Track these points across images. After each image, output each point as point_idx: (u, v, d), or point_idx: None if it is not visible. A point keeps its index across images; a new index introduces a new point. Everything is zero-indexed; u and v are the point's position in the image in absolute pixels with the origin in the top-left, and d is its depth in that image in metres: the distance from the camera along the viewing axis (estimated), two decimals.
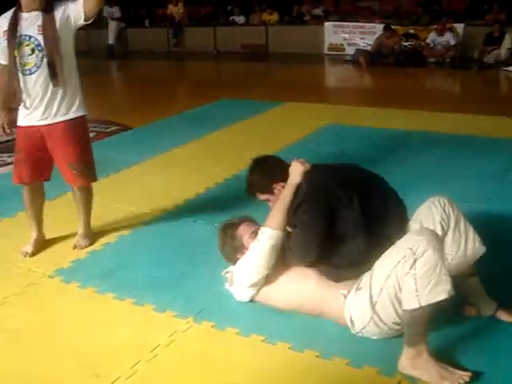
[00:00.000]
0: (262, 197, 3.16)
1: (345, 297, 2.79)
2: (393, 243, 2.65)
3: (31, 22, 3.46)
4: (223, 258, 3.29)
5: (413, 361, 2.50)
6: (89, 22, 3.54)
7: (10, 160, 5.39)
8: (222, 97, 9.20)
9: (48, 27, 3.44)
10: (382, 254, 2.69)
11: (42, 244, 3.91)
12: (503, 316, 2.87)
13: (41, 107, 3.56)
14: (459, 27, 13.29)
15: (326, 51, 15.05)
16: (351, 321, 2.75)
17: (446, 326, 2.80)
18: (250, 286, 3.01)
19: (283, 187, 3.04)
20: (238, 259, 3.11)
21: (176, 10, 16.90)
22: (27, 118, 3.61)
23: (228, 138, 6.62)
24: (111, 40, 16.40)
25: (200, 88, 10.92)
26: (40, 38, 3.45)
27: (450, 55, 12.53)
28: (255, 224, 3.23)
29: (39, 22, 3.46)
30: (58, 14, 3.47)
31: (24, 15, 3.48)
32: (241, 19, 17.11)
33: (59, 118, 3.61)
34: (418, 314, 2.45)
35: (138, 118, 7.74)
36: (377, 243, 2.80)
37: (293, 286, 2.95)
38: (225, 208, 4.25)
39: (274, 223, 2.95)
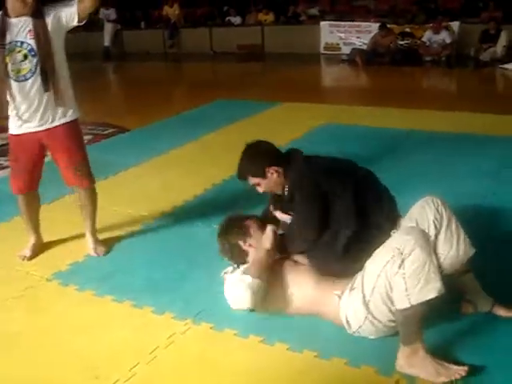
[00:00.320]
0: (254, 180, 3.17)
1: (339, 297, 2.80)
2: (383, 240, 2.68)
3: (21, 28, 3.40)
4: (220, 250, 3.29)
5: (409, 359, 2.51)
6: (81, 24, 3.51)
7: (6, 164, 5.38)
8: (219, 97, 9.21)
9: (40, 32, 3.40)
10: (372, 250, 2.72)
11: (39, 248, 3.92)
12: (500, 311, 2.89)
13: (38, 113, 3.53)
14: (455, 25, 13.30)
15: (322, 51, 15.07)
16: (347, 321, 2.76)
17: (443, 323, 2.82)
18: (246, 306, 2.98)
19: (276, 171, 3.09)
20: (237, 249, 3.16)
21: (172, 12, 16.92)
22: (23, 126, 3.57)
23: (225, 139, 6.63)
24: (107, 42, 16.43)
25: (196, 89, 10.94)
26: (32, 43, 3.41)
27: (445, 53, 12.54)
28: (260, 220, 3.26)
29: (30, 27, 3.40)
30: (49, 17, 3.44)
31: (12, 21, 3.40)
32: (237, 20, 17.11)
33: (58, 122, 3.60)
34: (409, 312, 2.47)
35: (135, 120, 7.76)
36: (367, 238, 2.85)
37: (290, 290, 2.96)
38: (223, 209, 4.24)
39: (254, 273, 2.94)
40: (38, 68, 3.44)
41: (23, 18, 3.41)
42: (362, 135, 6.50)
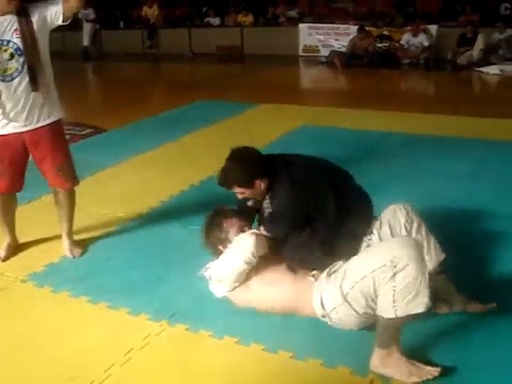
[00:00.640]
0: (239, 190, 3.14)
1: (315, 279, 2.83)
2: (358, 238, 2.71)
3: (7, 26, 3.36)
4: (203, 245, 3.29)
5: (384, 360, 2.53)
6: (66, 23, 3.48)
7: None
8: (197, 98, 9.19)
9: (26, 31, 3.36)
10: (348, 246, 2.78)
11: (14, 248, 3.88)
12: (474, 308, 2.92)
13: (23, 113, 3.48)
14: (433, 28, 13.41)
15: (300, 53, 15.10)
16: (321, 302, 2.75)
17: (417, 324, 2.82)
18: (228, 283, 3.01)
19: (263, 182, 3.08)
20: (218, 251, 3.13)
21: (151, 12, 16.84)
22: (8, 125, 3.51)
23: (203, 140, 6.62)
24: (86, 42, 16.33)
25: (175, 90, 10.92)
26: (19, 42, 3.36)
27: (423, 56, 12.64)
28: (244, 220, 3.25)
29: (16, 26, 3.36)
30: (35, 16, 3.40)
31: None
32: (216, 21, 17.10)
33: (42, 123, 3.56)
34: (393, 321, 2.48)
35: (113, 121, 7.72)
36: (344, 235, 2.95)
37: (268, 286, 2.96)
38: (199, 210, 4.21)
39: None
40: (25, 67, 3.40)
41: (8, 17, 3.36)
42: (341, 137, 6.53)
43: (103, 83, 13.49)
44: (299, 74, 13.85)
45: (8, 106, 3.47)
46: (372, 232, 3.05)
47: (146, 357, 2.75)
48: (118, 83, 12.17)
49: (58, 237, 3.94)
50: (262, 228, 3.22)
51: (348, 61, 12.81)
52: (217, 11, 17.32)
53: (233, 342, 2.82)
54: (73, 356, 2.77)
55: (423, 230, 2.98)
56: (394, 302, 2.43)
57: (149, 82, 12.81)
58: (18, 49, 3.38)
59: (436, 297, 2.92)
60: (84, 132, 7.18)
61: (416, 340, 2.76)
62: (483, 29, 12.45)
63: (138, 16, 17.59)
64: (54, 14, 3.41)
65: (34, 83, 3.43)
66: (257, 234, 3.01)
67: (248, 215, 3.34)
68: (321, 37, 14.80)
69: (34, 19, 3.40)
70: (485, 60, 11.73)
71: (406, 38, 12.97)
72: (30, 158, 3.69)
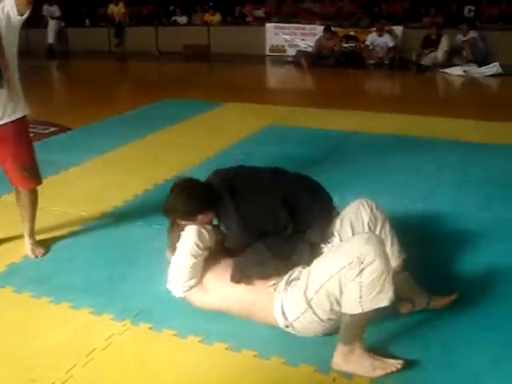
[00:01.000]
0: (181, 221, 3.08)
1: (274, 289, 2.81)
2: (314, 244, 2.71)
3: None
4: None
5: (346, 357, 2.55)
6: (23, 18, 3.36)
7: None
8: (164, 97, 9.15)
9: None
10: (303, 254, 2.79)
11: None
12: (437, 303, 2.97)
13: None
14: (398, 30, 13.56)
15: (267, 52, 15.14)
16: (283, 312, 2.75)
17: (381, 321, 2.86)
18: (181, 282, 3.01)
19: (207, 215, 3.03)
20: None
21: (117, 10, 16.69)
22: None
23: (168, 139, 6.59)
24: (51, 39, 16.13)
25: (141, 88, 10.85)
26: None
27: (388, 57, 12.76)
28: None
29: None
30: None
31: None
32: (183, 19, 17.01)
33: (6, 119, 3.50)
34: (358, 317, 2.51)
35: (78, 119, 7.63)
36: (297, 239, 2.91)
37: (225, 287, 2.95)
38: None
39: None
40: None
41: None
42: (306, 137, 6.56)
43: (68, 81, 13.35)
44: (266, 73, 13.88)
45: None
46: (333, 234, 3.05)
47: (109, 357, 2.73)
48: (84, 81, 12.05)
49: (20, 237, 3.89)
50: None
51: (314, 61, 12.88)
52: (184, 10, 17.22)
53: (197, 341, 2.82)
54: (34, 357, 2.74)
55: (387, 228, 2.99)
56: (360, 297, 2.46)
57: (115, 81, 12.71)
58: None
59: (399, 296, 2.96)
60: (48, 130, 7.09)
61: (379, 336, 2.80)
62: (447, 31, 12.63)
63: (104, 14, 17.38)
64: (11, 8, 3.32)
65: (0, 80, 3.37)
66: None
67: None
68: (287, 36, 14.86)
69: None
70: (449, 61, 11.90)
71: (372, 38, 13.09)
72: None
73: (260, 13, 16.42)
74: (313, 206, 3.04)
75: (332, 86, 11.13)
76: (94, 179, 5.20)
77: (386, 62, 12.77)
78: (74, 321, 3.02)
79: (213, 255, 3.07)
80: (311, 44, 13.83)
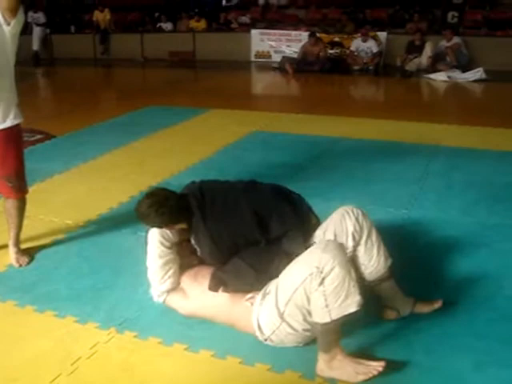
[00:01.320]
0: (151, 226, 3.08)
1: (251, 303, 2.81)
2: (291, 256, 2.71)
3: None
4: None
5: (329, 363, 2.56)
6: (10, 27, 3.33)
7: None
8: (149, 104, 9.14)
9: None
10: (279, 261, 2.77)
11: None
12: (422, 308, 2.97)
13: None
14: (382, 35, 13.64)
15: (252, 58, 15.18)
16: (259, 327, 2.76)
17: (365, 327, 2.88)
18: (156, 284, 3.05)
19: (177, 226, 3.00)
20: None
21: (102, 17, 16.68)
22: None
23: (153, 146, 6.58)
24: (36, 46, 16.04)
25: (126, 95, 10.83)
26: None
27: (373, 63, 12.83)
28: None
29: None
30: None
31: None
32: (168, 26, 17.00)
33: None
34: (329, 326, 2.51)
35: (63, 126, 7.60)
36: (272, 251, 2.89)
37: (206, 296, 2.94)
38: None
39: None
40: None
41: None
42: (291, 143, 6.58)
43: (53, 88, 13.29)
44: (251, 79, 13.89)
45: None
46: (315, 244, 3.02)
47: (94, 365, 2.72)
48: (69, 88, 12.02)
49: (4, 246, 3.88)
50: None
51: (299, 67, 12.91)
52: (169, 16, 17.20)
53: (182, 348, 2.82)
54: (17, 367, 2.72)
55: (373, 236, 2.93)
56: (326, 306, 2.46)
57: (100, 88, 12.69)
58: None
59: (383, 304, 2.98)
60: (33, 138, 7.05)
61: (363, 339, 2.83)
62: (431, 36, 12.73)
63: (90, 20, 17.36)
64: (1, 17, 3.30)
65: None
66: None
67: None
68: (273, 43, 14.91)
69: None
70: (433, 67, 11.97)
71: (356, 44, 13.15)
72: None
73: (245, 19, 16.45)
74: (286, 216, 3.00)
75: (317, 92, 11.17)
76: (79, 187, 5.19)
77: (370, 67, 12.82)
78: (58, 329, 3.01)
79: (192, 261, 3.09)
80: (296, 50, 13.87)
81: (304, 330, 2.66)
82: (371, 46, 12.97)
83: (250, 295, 2.83)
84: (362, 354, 2.68)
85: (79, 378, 2.63)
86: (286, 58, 13.45)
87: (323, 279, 2.45)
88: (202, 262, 3.11)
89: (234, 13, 16.82)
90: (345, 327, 2.62)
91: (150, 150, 6.42)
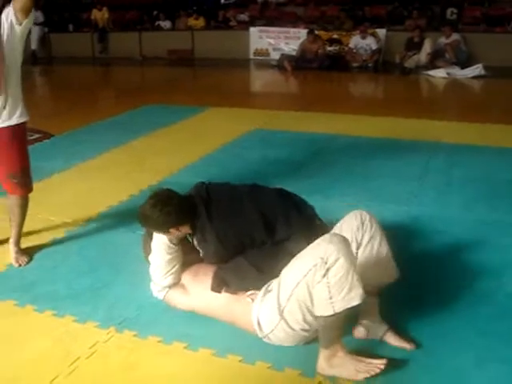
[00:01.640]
0: (155, 232, 3.03)
1: (252, 300, 2.80)
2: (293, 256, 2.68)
3: None
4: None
5: (330, 361, 2.55)
6: (22, 27, 3.40)
7: None
8: (148, 102, 9.14)
9: None
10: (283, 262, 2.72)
11: None
12: (390, 339, 2.78)
13: None
14: (381, 32, 13.63)
15: (251, 56, 15.18)
16: (258, 324, 2.75)
17: None
18: (159, 280, 3.04)
19: (179, 230, 2.94)
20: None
21: (100, 16, 16.67)
22: None
23: (153, 144, 6.57)
24: (34, 45, 16.01)
25: (125, 94, 10.82)
26: None
27: (372, 60, 12.81)
28: None
29: None
30: (4, 17, 3.36)
31: None
32: (167, 24, 16.99)
33: (1, 124, 3.50)
34: (332, 319, 2.49)
35: (62, 125, 7.59)
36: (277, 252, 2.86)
37: (206, 293, 2.93)
38: None
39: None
40: None
41: None
42: (290, 140, 6.57)
43: (52, 87, 13.27)
44: (250, 77, 13.89)
45: None
46: None
47: (93, 365, 2.71)
48: (67, 87, 12.01)
49: (4, 245, 3.88)
50: None
51: (298, 64, 12.91)
52: (167, 15, 17.19)
53: (182, 347, 2.81)
54: (17, 367, 2.72)
55: (376, 243, 2.87)
56: (330, 298, 2.45)
57: (98, 86, 12.68)
58: None
59: (356, 319, 2.83)
60: (32, 138, 7.03)
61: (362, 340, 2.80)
62: (430, 33, 12.72)
63: (88, 19, 17.34)
64: (12, 16, 3.36)
65: None
66: None
67: None
68: (271, 40, 14.91)
69: (3, 21, 3.36)
70: (432, 64, 11.96)
71: (355, 41, 13.14)
72: None
73: (244, 17, 16.44)
74: (292, 219, 2.99)
75: (316, 89, 11.16)
76: (78, 186, 5.17)
77: (369, 64, 12.83)
78: (57, 329, 3.00)
79: (194, 258, 3.08)
80: (295, 47, 13.88)
81: (302, 329, 2.65)
82: (370, 43, 12.97)
83: (251, 291, 2.82)
84: (362, 351, 2.67)
85: (79, 378, 2.62)
86: (284, 56, 13.45)
87: (327, 270, 2.44)
88: (203, 260, 3.10)
89: (232, 10, 16.81)
90: (346, 325, 2.61)
91: (150, 148, 6.42)
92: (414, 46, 12.44)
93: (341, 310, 2.46)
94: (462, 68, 11.55)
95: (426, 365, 2.64)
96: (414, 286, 3.15)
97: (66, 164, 5.79)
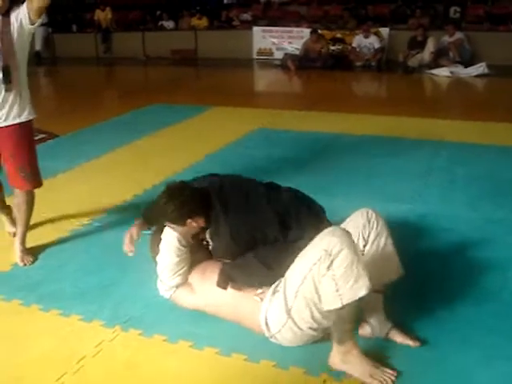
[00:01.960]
0: (170, 225, 3.01)
1: (261, 299, 2.79)
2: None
3: None
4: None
5: (343, 356, 2.54)
6: (34, 26, 3.47)
7: None
8: (151, 102, 9.15)
9: (5, 31, 3.39)
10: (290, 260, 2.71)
11: None
12: (396, 337, 2.78)
13: None
14: (384, 31, 13.62)
15: (255, 56, 15.18)
16: (266, 323, 2.74)
17: None
18: (167, 280, 3.03)
19: (196, 222, 2.94)
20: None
21: (103, 16, 16.68)
22: None
23: (157, 144, 6.58)
24: (38, 46, 16.02)
25: (129, 94, 10.82)
26: None
27: (375, 59, 12.80)
28: None
29: None
30: (13, 17, 3.42)
31: None
32: (170, 24, 17.00)
33: (11, 121, 3.56)
34: (342, 312, 2.48)
35: (65, 126, 7.60)
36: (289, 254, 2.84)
37: (212, 290, 2.93)
38: None
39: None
40: (0, 66, 3.41)
41: None
42: (294, 139, 6.58)
43: (56, 88, 13.30)
44: (253, 76, 13.89)
45: None
46: None
47: (99, 364, 2.72)
48: (71, 88, 12.03)
49: (9, 245, 3.89)
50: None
51: (301, 63, 12.90)
52: (171, 15, 17.21)
53: (187, 345, 2.81)
54: (23, 366, 2.72)
55: (382, 241, 2.84)
56: (337, 290, 2.44)
57: (102, 86, 12.70)
58: None
59: (361, 317, 2.82)
60: (36, 138, 7.01)
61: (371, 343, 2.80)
62: (433, 32, 12.69)
63: (91, 19, 17.36)
64: (24, 16, 3.41)
65: (7, 83, 3.47)
66: None
67: None
68: (275, 40, 14.90)
69: (13, 20, 3.41)
70: (435, 62, 11.93)
71: (358, 40, 13.13)
72: None
73: (247, 16, 16.44)
74: (304, 220, 2.97)
75: (319, 88, 11.15)
76: (82, 185, 5.19)
77: (373, 63, 12.81)
78: (63, 328, 3.01)
79: (201, 256, 3.08)
80: (298, 47, 13.87)
81: (309, 328, 2.64)
82: (373, 42, 12.96)
83: (260, 290, 2.82)
84: (369, 349, 2.67)
85: (84, 377, 2.63)
86: (288, 55, 13.44)
87: (332, 261, 2.43)
88: (210, 258, 3.10)
89: (235, 10, 16.82)
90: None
91: (154, 148, 6.43)
92: (418, 45, 12.42)
93: (349, 301, 2.44)
94: (466, 67, 11.53)
95: (432, 361, 2.64)
96: (420, 284, 3.16)
97: (70, 164, 5.80)
